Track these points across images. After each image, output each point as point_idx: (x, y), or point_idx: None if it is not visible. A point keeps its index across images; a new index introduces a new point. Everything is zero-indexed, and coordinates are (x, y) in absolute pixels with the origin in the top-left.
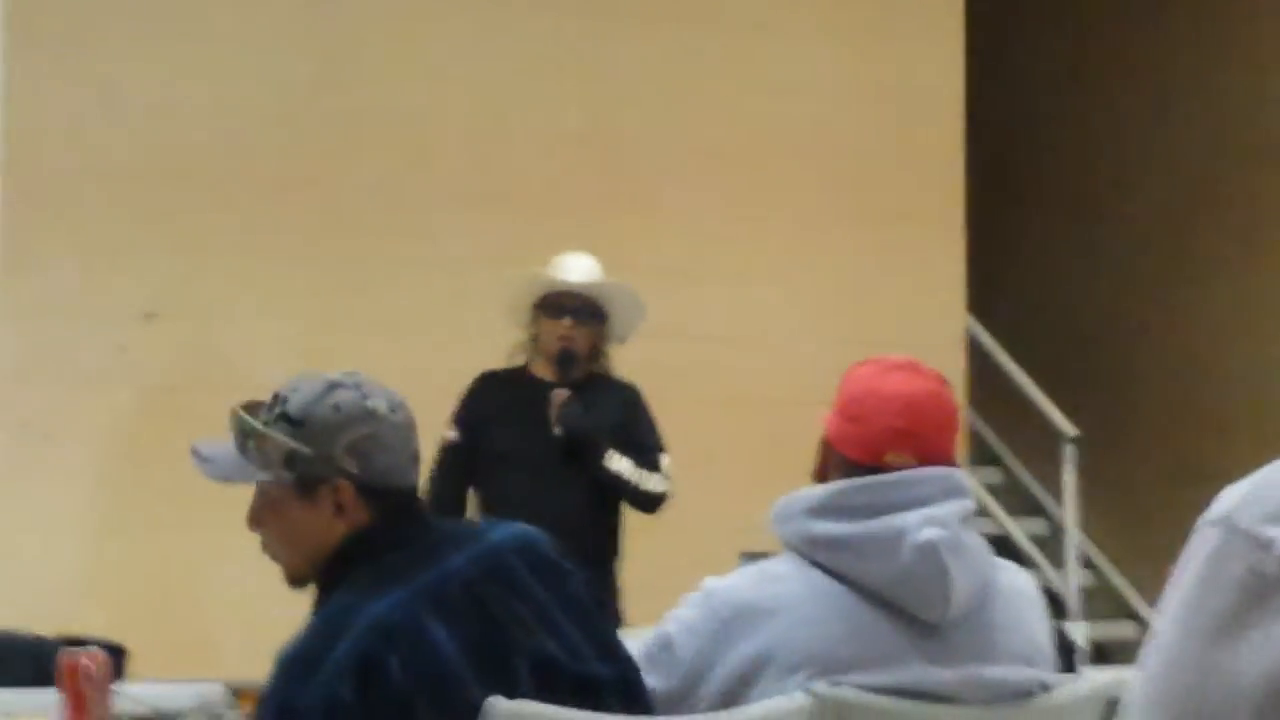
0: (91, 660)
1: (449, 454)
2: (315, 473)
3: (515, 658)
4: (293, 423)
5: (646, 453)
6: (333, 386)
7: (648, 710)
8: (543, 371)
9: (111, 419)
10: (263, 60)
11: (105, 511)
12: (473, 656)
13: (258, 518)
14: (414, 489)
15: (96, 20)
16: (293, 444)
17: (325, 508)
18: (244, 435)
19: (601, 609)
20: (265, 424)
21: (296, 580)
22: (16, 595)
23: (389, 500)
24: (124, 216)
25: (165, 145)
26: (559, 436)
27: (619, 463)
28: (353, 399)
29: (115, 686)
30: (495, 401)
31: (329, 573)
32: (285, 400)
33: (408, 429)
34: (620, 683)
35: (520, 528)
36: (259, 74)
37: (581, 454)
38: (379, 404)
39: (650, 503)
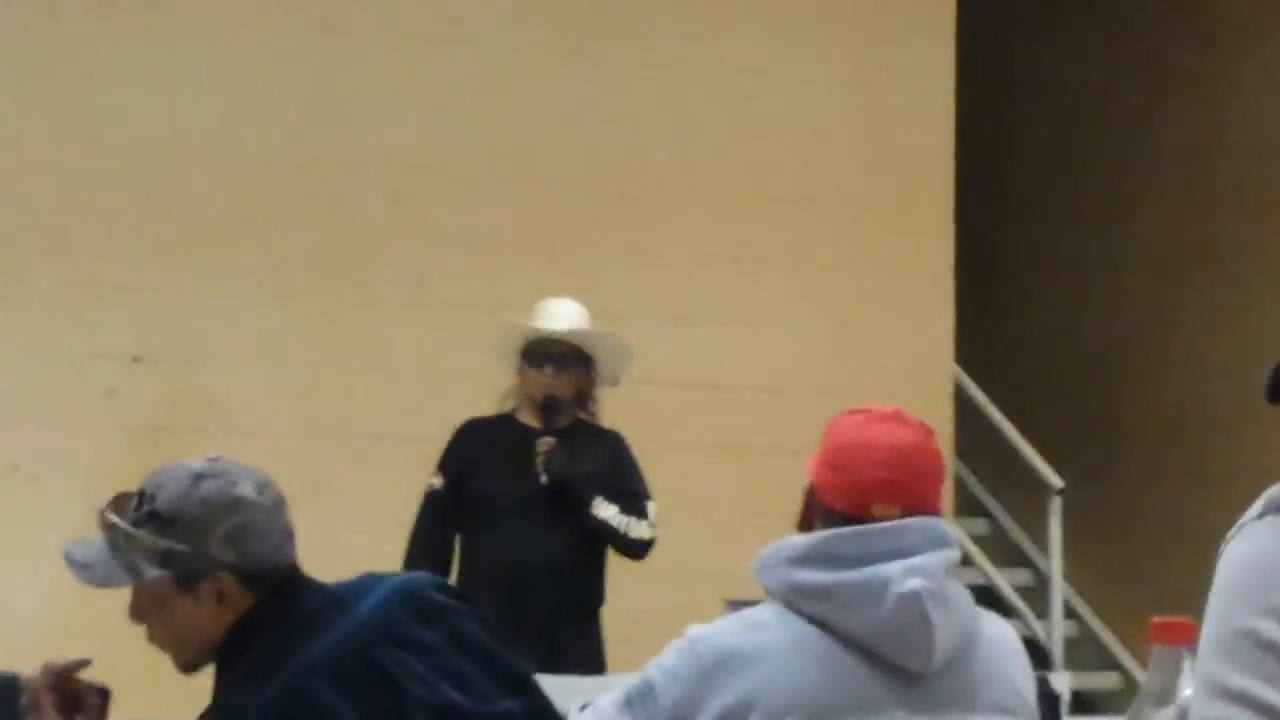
0: None
1: (432, 501)
2: (194, 568)
3: (415, 714)
4: (163, 521)
5: (633, 499)
6: (198, 478)
7: None
8: (528, 419)
9: (99, 461)
10: (252, 99)
11: None
12: None
13: (140, 613)
14: (292, 564)
15: (87, 57)
16: (167, 543)
17: (208, 600)
18: (116, 538)
19: (504, 640)
20: (135, 524)
21: (188, 668)
22: (1, 636)
23: (270, 581)
24: (112, 256)
25: (155, 184)
26: (544, 484)
27: (605, 509)
28: (219, 489)
29: None
30: (481, 448)
31: (221, 659)
32: (152, 498)
33: (277, 508)
34: (530, 713)
35: (404, 577)
36: (249, 113)
37: (567, 501)
38: (246, 490)
39: (637, 549)
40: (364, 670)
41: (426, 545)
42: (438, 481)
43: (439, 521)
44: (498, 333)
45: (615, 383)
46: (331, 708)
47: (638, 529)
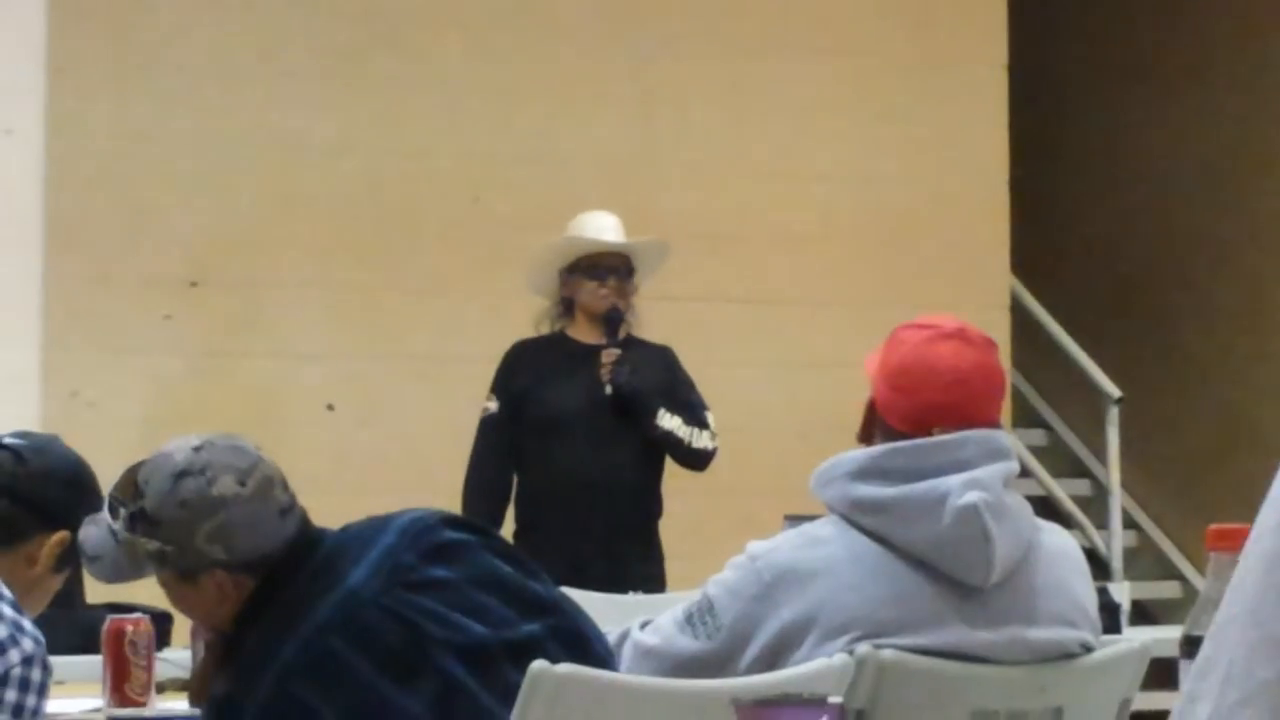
0: (135, 626)
1: (487, 427)
2: (188, 565)
3: (439, 655)
4: (151, 522)
5: (694, 410)
6: (178, 477)
7: (590, 650)
8: (582, 334)
9: (157, 386)
10: (304, 22)
11: None
12: (394, 671)
13: (164, 590)
14: (290, 540)
15: (144, 8)
16: (157, 544)
17: (210, 590)
18: (115, 534)
19: (522, 565)
20: (129, 525)
21: (217, 633)
22: None
23: (267, 565)
24: (168, 182)
25: (208, 109)
26: (609, 396)
27: (670, 420)
28: (197, 489)
29: (159, 653)
30: (537, 368)
31: (237, 626)
32: (142, 494)
33: (264, 493)
34: (556, 632)
35: (410, 517)
36: (302, 36)
37: (633, 412)
38: (226, 486)
39: (700, 459)
40: (379, 619)
41: (484, 477)
42: (493, 406)
43: (497, 449)
44: (543, 250)
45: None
46: (348, 662)
47: (701, 439)
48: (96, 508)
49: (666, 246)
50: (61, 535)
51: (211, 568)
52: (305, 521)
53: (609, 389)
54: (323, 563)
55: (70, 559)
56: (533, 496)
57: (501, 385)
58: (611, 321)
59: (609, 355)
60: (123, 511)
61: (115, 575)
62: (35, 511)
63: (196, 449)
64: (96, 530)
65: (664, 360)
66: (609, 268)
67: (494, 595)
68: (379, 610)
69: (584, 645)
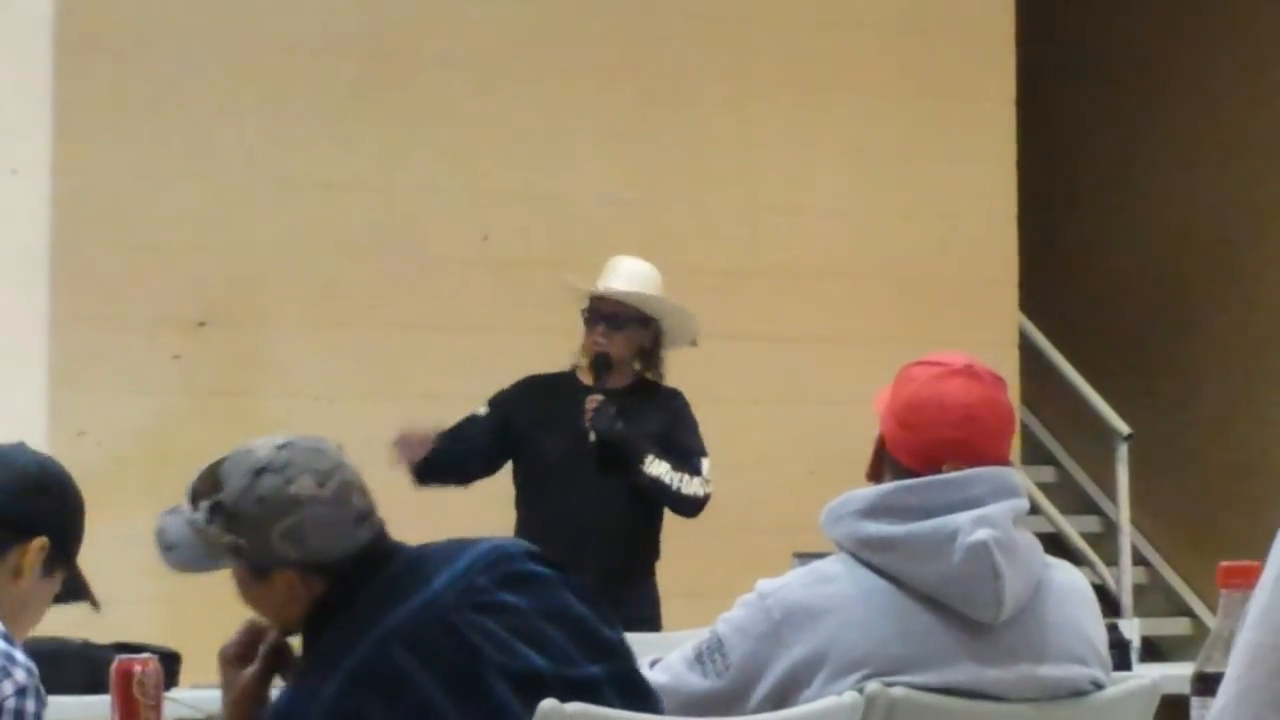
0: (143, 666)
1: (467, 421)
2: (262, 560)
3: (493, 679)
4: (229, 515)
5: (686, 455)
6: (258, 473)
7: (648, 700)
8: (586, 377)
9: (165, 426)
10: (310, 57)
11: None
12: (451, 687)
13: (235, 583)
14: (366, 545)
15: (143, 22)
16: (232, 538)
17: (281, 589)
18: (194, 525)
19: (597, 607)
20: (208, 516)
21: (284, 634)
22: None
23: (338, 569)
24: (176, 221)
25: (215, 148)
26: (594, 441)
27: (657, 467)
28: (275, 487)
29: (168, 693)
30: (537, 405)
31: (305, 639)
32: (221, 487)
33: (342, 497)
34: (615, 678)
35: (492, 543)
36: (307, 71)
37: (617, 458)
38: (304, 486)
39: (689, 506)
40: (442, 636)
41: (445, 450)
42: (483, 410)
43: (465, 438)
44: (569, 293)
45: (692, 343)
46: (409, 674)
47: (690, 486)
48: (71, 506)
49: (665, 299)
50: (41, 541)
51: (283, 566)
52: (382, 532)
53: (591, 435)
54: (397, 574)
55: (58, 562)
56: (529, 538)
57: (499, 400)
58: (597, 368)
59: (591, 401)
60: (202, 503)
61: (190, 564)
62: (7, 525)
63: (280, 447)
64: (174, 519)
65: (669, 405)
66: (604, 315)
67: (561, 630)
68: (443, 626)
69: (643, 695)
